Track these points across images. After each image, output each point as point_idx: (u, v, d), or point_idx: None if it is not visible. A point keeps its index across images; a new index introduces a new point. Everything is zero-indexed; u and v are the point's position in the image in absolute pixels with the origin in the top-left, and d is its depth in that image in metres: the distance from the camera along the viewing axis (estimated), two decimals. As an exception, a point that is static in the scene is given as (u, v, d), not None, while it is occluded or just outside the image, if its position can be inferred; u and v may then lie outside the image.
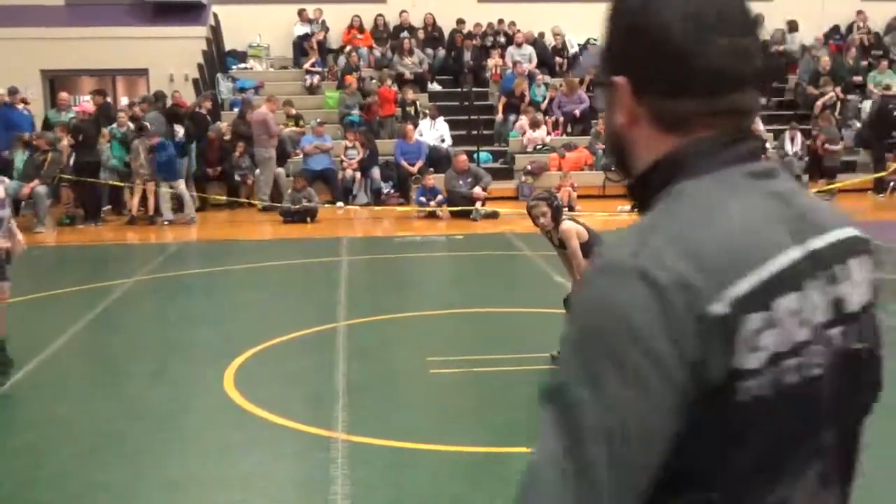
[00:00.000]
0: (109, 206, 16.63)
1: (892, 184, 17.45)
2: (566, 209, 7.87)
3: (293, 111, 18.62)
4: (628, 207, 13.45)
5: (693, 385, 1.20)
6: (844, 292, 1.35)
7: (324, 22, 21.15)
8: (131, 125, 16.31)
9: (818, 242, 1.33)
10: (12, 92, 17.14)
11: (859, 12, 21.70)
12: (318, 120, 18.09)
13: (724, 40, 1.31)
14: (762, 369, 1.23)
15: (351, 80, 19.15)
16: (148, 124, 16.00)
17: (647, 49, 1.33)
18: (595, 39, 21.33)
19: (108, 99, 19.02)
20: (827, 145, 17.35)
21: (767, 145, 17.98)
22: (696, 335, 1.20)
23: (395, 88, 19.37)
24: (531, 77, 19.94)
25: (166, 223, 15.46)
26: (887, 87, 19.18)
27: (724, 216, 1.27)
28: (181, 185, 15.78)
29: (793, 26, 21.47)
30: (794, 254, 1.29)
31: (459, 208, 15.64)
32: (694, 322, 1.20)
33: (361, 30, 21.16)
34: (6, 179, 7.22)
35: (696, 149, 1.33)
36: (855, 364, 1.37)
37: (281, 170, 17.28)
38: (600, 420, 1.19)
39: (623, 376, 1.19)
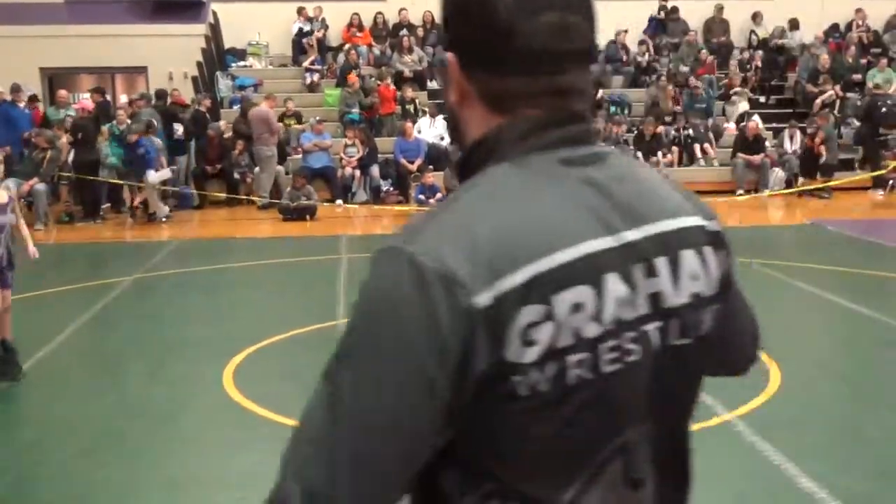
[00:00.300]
0: (108, 204, 16.64)
1: (890, 182, 17.46)
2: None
3: (293, 108, 18.62)
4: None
5: (459, 377, 1.17)
6: (664, 286, 1.28)
7: (323, 20, 21.14)
8: (129, 122, 16.32)
9: (635, 234, 1.26)
10: (15, 90, 17.15)
11: (858, 10, 21.69)
12: (318, 118, 18.09)
13: (549, 16, 1.26)
14: (540, 363, 1.18)
15: (354, 79, 19.15)
16: (153, 121, 16.02)
17: (472, 24, 1.28)
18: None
19: (108, 97, 19.04)
20: (822, 147, 17.34)
21: (767, 143, 18.00)
22: (457, 327, 1.16)
23: (393, 87, 19.37)
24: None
25: (164, 220, 15.46)
26: (877, 87, 19.25)
27: (514, 204, 1.22)
28: (150, 175, 15.65)
29: (794, 24, 21.48)
30: (596, 245, 1.22)
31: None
32: (455, 313, 1.16)
33: (361, 28, 21.14)
34: (11, 185, 7.26)
35: (510, 131, 1.29)
36: (678, 360, 1.31)
37: (280, 167, 17.28)
38: (352, 404, 1.18)
39: (378, 363, 1.17)
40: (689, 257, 1.32)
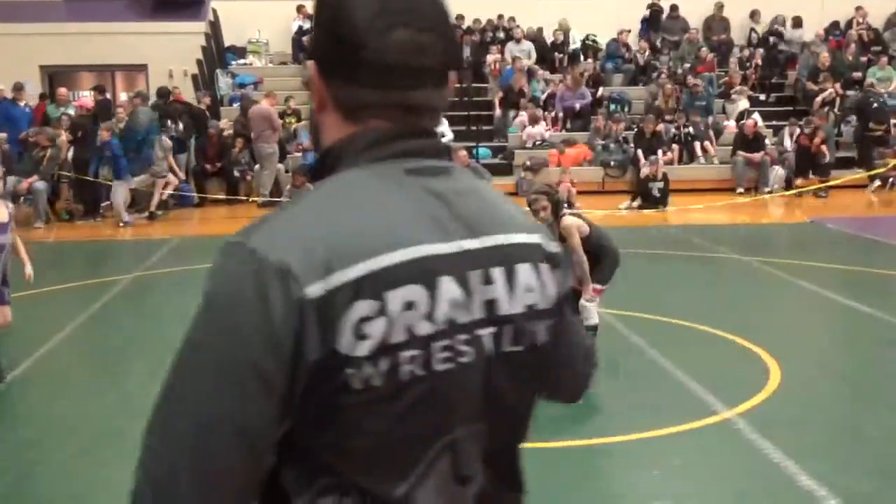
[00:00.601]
0: (108, 202, 16.62)
1: (890, 180, 17.45)
2: (566, 205, 7.75)
3: (294, 106, 18.61)
4: (626, 204, 13.22)
5: (293, 367, 1.21)
6: (499, 294, 1.34)
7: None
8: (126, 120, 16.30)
9: (474, 243, 1.32)
10: (17, 88, 17.14)
11: (858, 8, 21.69)
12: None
13: (403, 34, 1.31)
14: (373, 358, 1.23)
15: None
16: (169, 122, 15.97)
17: (330, 36, 1.35)
18: (594, 35, 21.33)
19: (108, 95, 19.02)
20: (823, 146, 17.32)
21: (767, 141, 17.99)
22: (290, 317, 1.20)
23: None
24: (531, 73, 19.93)
25: (121, 225, 15.06)
26: (871, 85, 19.29)
27: (353, 205, 1.29)
28: (116, 188, 15.35)
29: (797, 22, 21.48)
30: (433, 249, 1.28)
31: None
32: (288, 304, 1.20)
33: (361, 25, 21.12)
34: (10, 203, 7.19)
35: (358, 141, 1.35)
36: (510, 367, 1.36)
37: (280, 165, 17.27)
38: (191, 396, 1.22)
39: (215, 354, 1.22)
40: (524, 270, 1.38)
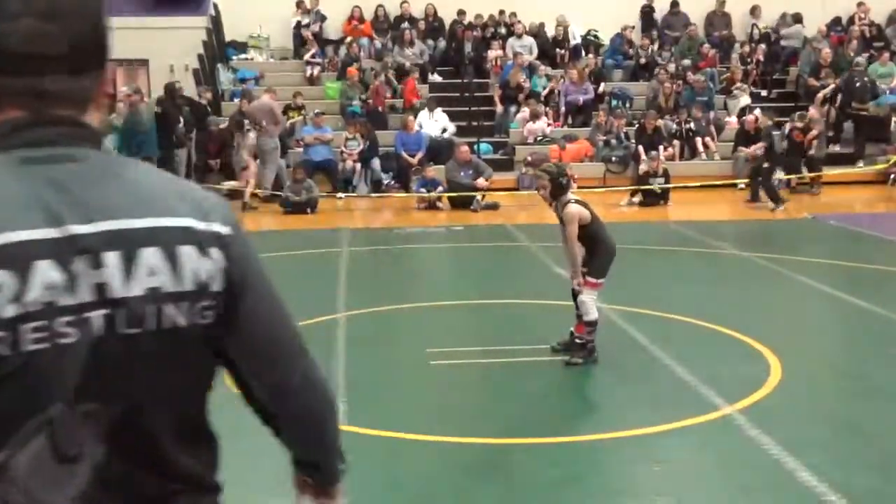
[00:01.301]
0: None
1: (892, 176, 17.44)
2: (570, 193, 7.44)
3: (301, 101, 18.57)
4: (625, 201, 13.13)
5: None
6: (111, 278, 1.37)
7: (318, 12, 21.08)
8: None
9: (86, 228, 1.35)
10: None
11: (860, 4, 21.66)
12: (317, 111, 18.03)
13: (26, 21, 1.36)
14: None
15: (353, 72, 19.13)
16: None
17: None
18: (596, 31, 21.31)
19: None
20: (815, 142, 17.29)
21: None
22: None
23: (413, 78, 19.36)
24: (532, 68, 19.92)
25: None
26: (857, 64, 19.30)
27: None
28: None
29: (797, 18, 21.46)
30: (30, 234, 1.32)
31: (458, 194, 15.63)
32: None
33: (362, 20, 21.11)
34: None
35: None
36: (131, 348, 1.39)
37: (282, 160, 17.24)
38: None
39: None
40: (149, 253, 1.40)
